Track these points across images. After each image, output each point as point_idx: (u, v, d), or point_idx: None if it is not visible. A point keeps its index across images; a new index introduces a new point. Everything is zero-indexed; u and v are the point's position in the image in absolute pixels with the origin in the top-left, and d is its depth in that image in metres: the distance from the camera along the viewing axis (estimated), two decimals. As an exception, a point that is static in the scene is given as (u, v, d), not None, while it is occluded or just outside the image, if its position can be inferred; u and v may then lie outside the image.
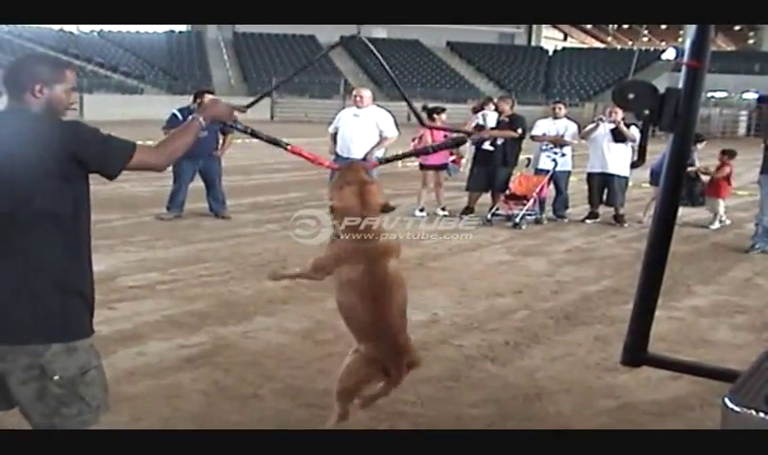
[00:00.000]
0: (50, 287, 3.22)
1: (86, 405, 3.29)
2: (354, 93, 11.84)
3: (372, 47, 5.49)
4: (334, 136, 11.57)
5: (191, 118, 3.74)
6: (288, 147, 7.56)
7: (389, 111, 11.96)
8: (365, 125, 11.38)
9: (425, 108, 13.91)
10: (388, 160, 6.98)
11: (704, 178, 13.18)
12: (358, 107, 11.52)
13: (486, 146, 12.80)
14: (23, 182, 3.14)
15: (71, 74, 3.39)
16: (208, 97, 12.06)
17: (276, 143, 6.20)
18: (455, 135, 6.81)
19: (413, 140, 13.49)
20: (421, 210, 12.88)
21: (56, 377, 3.20)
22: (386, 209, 4.66)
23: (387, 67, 5.60)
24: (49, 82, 3.29)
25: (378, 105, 12.02)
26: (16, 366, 3.18)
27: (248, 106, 4.84)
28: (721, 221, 13.18)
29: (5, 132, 3.21)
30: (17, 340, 3.18)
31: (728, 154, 13.27)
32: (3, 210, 3.15)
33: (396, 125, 11.79)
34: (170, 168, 11.76)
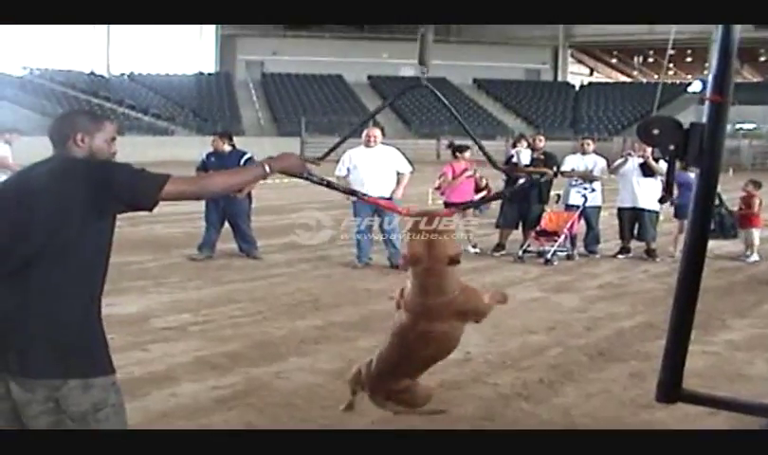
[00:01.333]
0: (73, 323, 3.29)
1: None
2: (366, 132, 11.98)
3: (437, 92, 5.53)
4: (343, 178, 11.63)
5: (257, 163, 3.78)
6: (366, 197, 7.68)
7: (398, 149, 12.15)
8: (381, 163, 11.59)
9: (450, 145, 13.92)
10: (470, 205, 7.11)
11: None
12: (370, 146, 11.70)
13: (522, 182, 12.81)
14: (53, 217, 3.25)
15: (111, 125, 3.59)
16: (217, 138, 12.44)
17: (353, 193, 6.27)
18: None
19: (440, 177, 13.51)
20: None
21: (70, 411, 3.24)
22: (453, 261, 4.67)
23: (453, 110, 5.69)
24: (91, 132, 3.48)
25: (384, 144, 12.19)
26: (34, 398, 3.23)
27: (321, 158, 4.85)
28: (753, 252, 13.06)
29: (41, 170, 3.37)
30: (37, 373, 3.24)
31: (755, 185, 13.21)
32: (32, 244, 3.25)
33: (409, 161, 11.94)
34: (201, 206, 11.87)
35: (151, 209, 3.42)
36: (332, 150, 5.60)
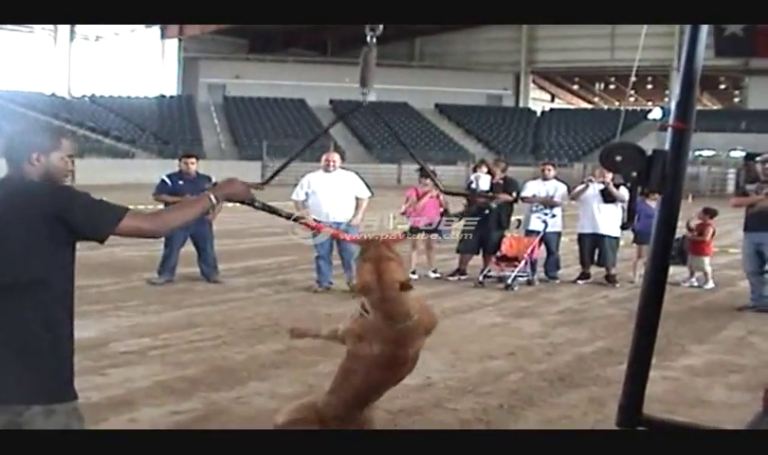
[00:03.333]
0: (37, 350, 3.25)
1: None
2: (325, 156, 11.96)
3: (380, 114, 5.51)
4: (302, 202, 11.60)
5: (203, 193, 3.72)
6: (315, 222, 7.73)
7: (358, 174, 12.11)
8: (340, 187, 11.55)
9: (421, 168, 13.83)
10: (414, 231, 7.18)
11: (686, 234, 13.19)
12: (329, 171, 11.67)
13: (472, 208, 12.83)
14: (13, 245, 3.21)
15: (68, 142, 3.47)
16: (191, 160, 12.23)
17: (295, 220, 6.20)
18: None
19: (406, 201, 13.48)
20: (413, 273, 12.85)
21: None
22: (404, 286, 4.67)
23: (394, 132, 5.68)
24: (46, 151, 3.37)
25: (344, 168, 12.18)
26: None
27: (265, 183, 4.73)
28: (698, 279, 13.16)
29: None
30: (1, 399, 3.20)
31: (709, 214, 13.31)
32: None
33: (368, 186, 11.92)
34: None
35: (102, 242, 3.36)
36: (275, 174, 5.53)
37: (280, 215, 4.99)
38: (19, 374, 3.23)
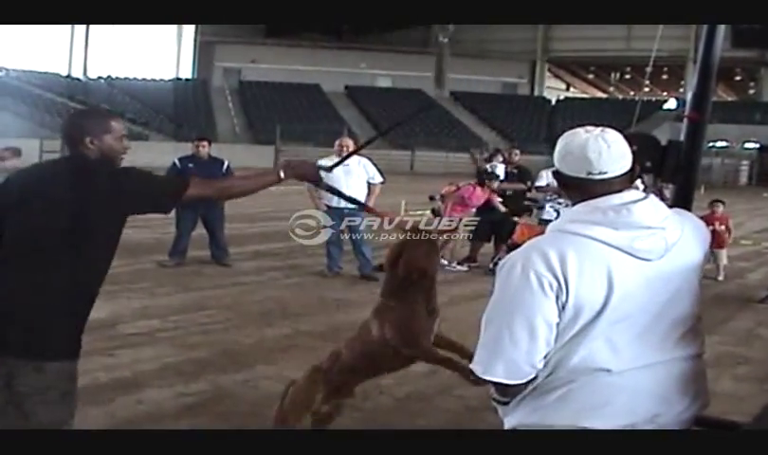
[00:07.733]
0: (47, 308, 3.39)
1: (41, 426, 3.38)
2: (338, 142, 11.90)
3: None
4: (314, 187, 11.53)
5: (272, 169, 3.91)
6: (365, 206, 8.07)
7: (371, 159, 12.05)
8: (353, 173, 11.49)
9: (487, 172, 13.33)
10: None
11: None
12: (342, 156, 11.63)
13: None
14: (74, 214, 3.39)
15: (117, 124, 3.67)
16: (203, 143, 12.18)
17: (355, 202, 6.48)
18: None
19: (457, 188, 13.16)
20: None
21: (16, 390, 3.33)
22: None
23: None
24: (98, 134, 3.57)
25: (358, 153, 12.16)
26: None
27: (333, 167, 4.83)
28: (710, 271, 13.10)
29: (62, 169, 3.61)
30: (12, 352, 3.36)
31: (723, 204, 13.22)
32: (50, 236, 3.39)
33: (381, 172, 11.89)
34: (173, 214, 11.80)
35: (168, 212, 3.71)
36: (344, 159, 5.76)
37: (343, 197, 5.43)
38: (19, 328, 3.35)
